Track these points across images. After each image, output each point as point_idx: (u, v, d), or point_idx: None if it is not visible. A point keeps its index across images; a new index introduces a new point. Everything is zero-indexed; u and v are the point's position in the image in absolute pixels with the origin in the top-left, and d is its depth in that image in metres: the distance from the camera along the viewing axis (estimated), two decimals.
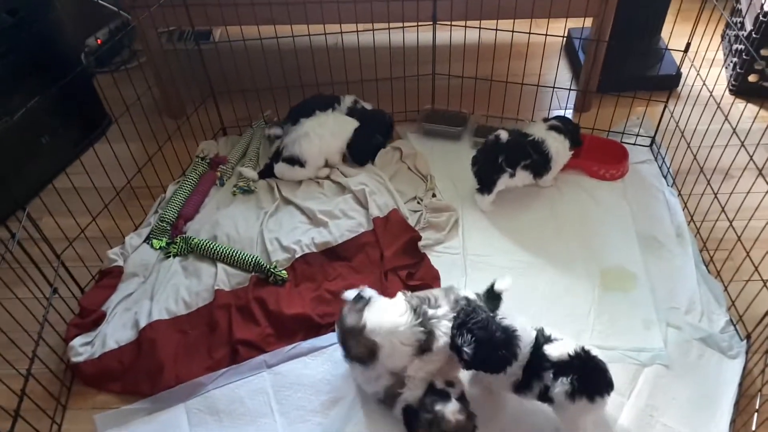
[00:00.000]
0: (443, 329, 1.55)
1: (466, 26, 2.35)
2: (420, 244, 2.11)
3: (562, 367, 1.48)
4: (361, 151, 2.41)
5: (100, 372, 1.81)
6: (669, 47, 2.34)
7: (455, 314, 1.57)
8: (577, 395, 1.46)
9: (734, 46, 2.78)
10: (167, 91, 2.63)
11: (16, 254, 1.67)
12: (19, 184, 2.27)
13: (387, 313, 1.60)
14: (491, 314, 1.55)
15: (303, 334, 1.86)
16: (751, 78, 2.68)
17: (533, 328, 1.56)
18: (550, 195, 2.29)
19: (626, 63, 2.68)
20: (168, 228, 2.18)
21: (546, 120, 2.26)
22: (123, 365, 1.82)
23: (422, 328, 1.56)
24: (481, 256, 2.09)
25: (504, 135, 2.14)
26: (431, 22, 2.43)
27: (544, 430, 1.63)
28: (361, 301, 1.64)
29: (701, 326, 1.85)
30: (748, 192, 1.84)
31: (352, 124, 2.40)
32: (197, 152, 2.48)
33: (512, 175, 2.16)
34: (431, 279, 2.00)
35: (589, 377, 1.49)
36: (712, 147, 2.06)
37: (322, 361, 1.80)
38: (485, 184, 2.18)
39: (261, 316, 1.89)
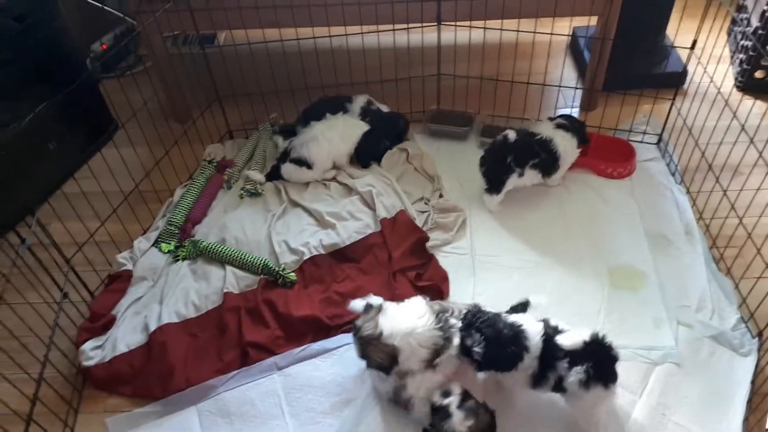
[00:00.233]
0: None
1: (470, 26, 2.35)
2: (428, 244, 2.11)
3: (576, 355, 1.48)
4: (367, 154, 2.41)
5: (112, 376, 1.81)
6: (675, 45, 2.33)
7: (462, 317, 1.57)
8: (592, 383, 1.46)
9: (740, 43, 2.77)
10: (173, 96, 2.64)
11: (27, 259, 1.68)
12: (27, 190, 2.28)
13: (403, 316, 1.58)
14: (495, 313, 1.55)
15: (312, 335, 1.86)
16: (758, 74, 2.67)
17: (538, 320, 1.56)
18: (558, 194, 2.29)
19: (632, 61, 2.67)
20: (176, 231, 2.18)
21: (552, 119, 2.25)
22: (134, 369, 1.82)
23: (441, 333, 1.56)
24: (489, 256, 2.09)
25: (512, 135, 2.14)
26: (435, 23, 2.43)
27: (558, 424, 1.63)
28: (373, 310, 1.62)
29: (712, 324, 1.84)
30: (758, 189, 1.83)
31: (361, 128, 2.40)
32: (204, 156, 2.49)
33: (521, 175, 2.16)
34: (440, 279, 2.00)
35: (603, 364, 1.49)
36: (720, 144, 2.05)
37: (332, 363, 1.80)
38: (494, 184, 2.18)
39: (270, 318, 1.90)
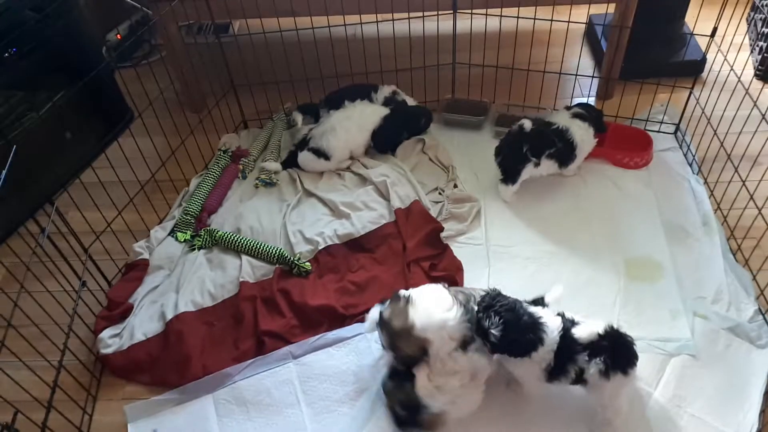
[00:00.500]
0: None
1: (486, 14, 2.33)
2: (442, 235, 2.11)
3: (594, 347, 1.48)
4: (385, 140, 2.41)
5: (129, 363, 1.84)
6: (694, 32, 2.30)
7: (480, 299, 1.56)
8: (612, 372, 1.47)
9: (761, 30, 2.72)
10: (188, 85, 2.65)
11: (46, 248, 1.70)
12: (45, 179, 2.31)
13: (434, 309, 1.55)
14: (515, 299, 1.55)
15: (327, 325, 1.87)
16: None
17: (556, 314, 1.56)
18: (574, 184, 2.27)
19: (650, 49, 2.63)
20: (192, 221, 2.20)
21: (569, 108, 2.23)
22: (151, 357, 1.84)
23: (469, 324, 1.55)
24: (504, 247, 2.08)
25: (528, 124, 2.12)
26: (452, 11, 2.41)
27: (573, 421, 1.63)
28: (402, 300, 1.58)
29: (729, 316, 1.82)
30: None
31: (381, 112, 2.38)
32: (219, 145, 2.50)
33: (537, 165, 2.14)
34: (454, 270, 2.00)
35: (619, 352, 1.50)
36: (739, 134, 2.02)
37: (347, 352, 1.81)
38: (509, 174, 2.17)
39: (286, 307, 1.91)
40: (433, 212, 2.19)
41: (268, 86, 2.52)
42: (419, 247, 2.06)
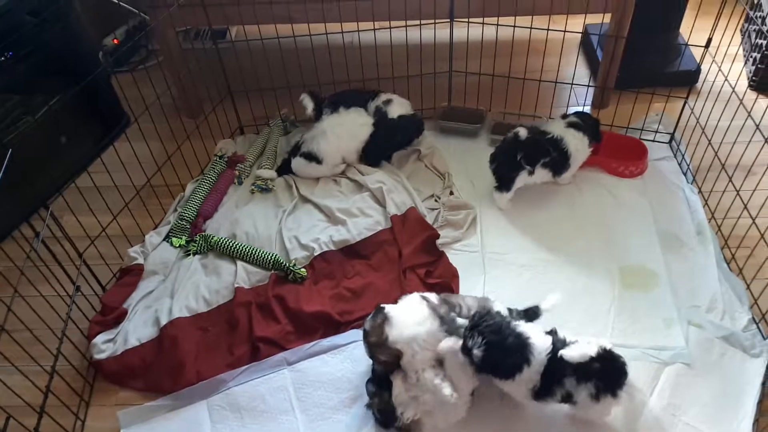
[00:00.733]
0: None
1: (483, 23, 2.35)
2: (438, 242, 2.11)
3: (584, 370, 1.47)
4: (374, 154, 2.40)
5: (123, 369, 1.83)
6: (689, 43, 2.31)
7: (470, 317, 1.58)
8: (602, 395, 1.47)
9: (755, 41, 2.74)
10: (185, 90, 2.65)
11: (40, 252, 1.69)
12: (40, 183, 2.30)
13: (407, 322, 1.62)
14: (506, 320, 1.54)
15: (322, 331, 1.87)
16: None
17: (546, 332, 1.55)
18: (569, 192, 2.28)
19: (645, 59, 2.65)
20: (187, 226, 2.20)
21: (565, 117, 2.24)
22: (145, 362, 1.83)
23: (447, 335, 1.59)
24: (499, 254, 2.08)
25: (523, 132, 2.13)
26: (448, 20, 2.42)
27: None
28: (380, 315, 1.65)
29: (723, 324, 1.83)
30: None
31: (369, 127, 2.38)
32: (215, 151, 2.50)
33: (531, 173, 2.15)
34: (450, 277, 2.00)
35: (611, 376, 1.49)
36: (734, 144, 2.04)
37: (341, 359, 1.80)
38: (504, 182, 2.17)
39: (281, 313, 1.90)
40: (429, 219, 2.19)
41: (264, 92, 2.52)
42: (415, 254, 2.06)
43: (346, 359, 1.80)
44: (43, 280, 1.76)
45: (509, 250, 2.10)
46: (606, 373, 1.48)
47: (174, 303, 1.95)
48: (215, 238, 2.12)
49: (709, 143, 2.16)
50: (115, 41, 3.00)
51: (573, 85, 2.57)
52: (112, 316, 1.94)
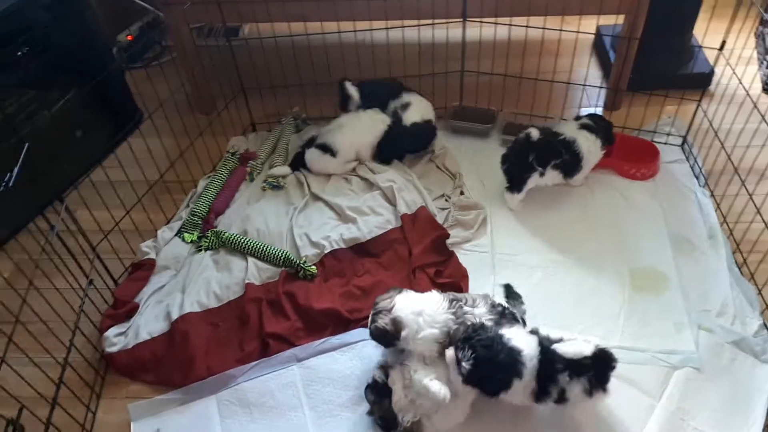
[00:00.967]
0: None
1: (496, 23, 2.34)
2: (448, 241, 2.11)
3: (576, 366, 1.48)
4: (385, 153, 2.41)
5: (134, 362, 1.85)
6: (703, 45, 2.31)
7: (464, 329, 1.58)
8: (594, 390, 1.50)
9: None
10: (199, 87, 2.66)
11: (55, 245, 1.71)
12: (54, 177, 2.32)
13: (418, 298, 1.67)
14: (500, 334, 1.53)
15: (332, 329, 1.88)
16: None
17: (531, 332, 1.56)
18: (581, 194, 2.27)
19: (658, 61, 2.64)
20: (199, 222, 2.21)
21: (578, 118, 2.24)
22: (155, 356, 1.85)
23: (454, 317, 1.61)
24: (509, 255, 2.08)
25: (535, 133, 2.13)
26: (461, 19, 2.42)
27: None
28: (395, 290, 1.71)
29: (734, 329, 1.82)
30: None
31: (384, 123, 2.39)
32: (228, 148, 2.52)
33: (542, 174, 2.15)
34: (460, 277, 2.00)
35: (602, 372, 1.51)
36: (747, 147, 2.03)
37: (350, 357, 1.81)
38: (515, 183, 2.17)
39: (291, 310, 1.91)
40: (440, 219, 2.20)
41: (277, 90, 2.53)
42: (425, 254, 2.06)
43: (355, 357, 1.81)
44: (57, 273, 1.78)
45: (519, 251, 2.10)
46: (598, 368, 1.50)
47: (185, 298, 1.96)
48: (227, 234, 2.13)
49: (722, 147, 2.15)
50: (129, 37, 3.02)
51: (585, 86, 2.56)
52: (123, 310, 1.95)
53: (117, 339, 1.89)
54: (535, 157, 2.12)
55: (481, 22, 2.39)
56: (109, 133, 2.56)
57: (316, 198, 2.31)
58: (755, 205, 1.91)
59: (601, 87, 2.62)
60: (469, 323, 1.60)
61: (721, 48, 2.18)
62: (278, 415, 1.72)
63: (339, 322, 1.89)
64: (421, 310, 1.63)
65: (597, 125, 2.19)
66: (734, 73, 2.14)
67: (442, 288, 1.85)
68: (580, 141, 2.14)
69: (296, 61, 2.44)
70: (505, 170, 2.19)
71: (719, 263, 2.00)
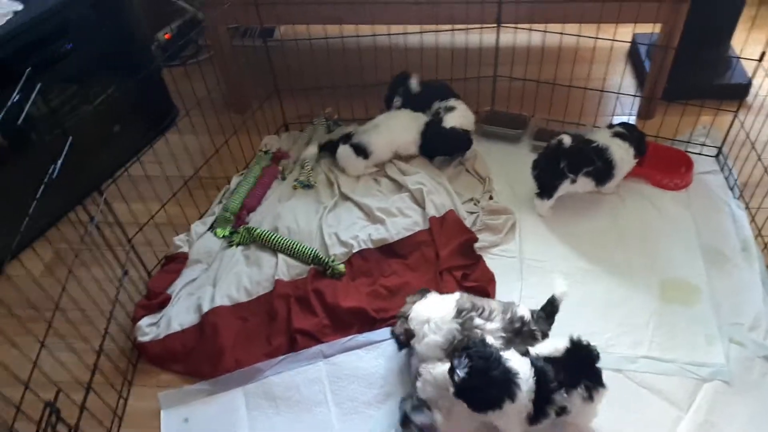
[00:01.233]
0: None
1: (531, 29, 2.35)
2: (476, 245, 2.12)
3: (568, 374, 1.48)
4: (426, 149, 2.43)
5: (164, 352, 1.89)
6: (742, 56, 2.28)
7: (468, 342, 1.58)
8: (594, 392, 1.49)
9: None
10: (234, 87, 2.71)
11: (93, 236, 1.76)
12: (93, 169, 2.39)
13: (430, 307, 1.69)
14: (499, 353, 1.50)
15: (358, 327, 1.90)
16: None
17: (522, 354, 1.53)
18: (612, 202, 2.26)
19: (694, 70, 2.61)
20: (231, 218, 2.25)
21: (610, 126, 2.22)
22: (186, 347, 1.89)
23: (459, 327, 1.62)
24: (537, 261, 2.08)
25: (567, 140, 2.12)
26: (496, 25, 2.43)
27: None
28: (422, 293, 1.76)
29: (766, 344, 1.79)
30: None
31: (421, 120, 2.40)
32: (260, 146, 2.56)
33: (573, 181, 2.14)
34: (486, 281, 2.01)
35: (592, 367, 1.51)
36: None
37: (376, 355, 1.83)
38: (545, 189, 2.17)
39: (318, 307, 1.94)
40: (468, 223, 2.20)
41: (310, 91, 2.57)
42: (452, 257, 2.07)
43: (380, 356, 1.83)
44: (94, 263, 1.83)
45: (548, 258, 2.09)
46: (587, 366, 1.50)
47: (216, 291, 2.00)
48: (258, 231, 2.17)
49: (759, 159, 2.12)
50: (167, 36, 3.09)
51: (619, 95, 2.54)
52: (156, 301, 2.00)
53: (149, 329, 1.93)
54: (566, 163, 2.11)
55: (516, 27, 2.39)
56: (145, 128, 2.62)
57: (346, 198, 2.34)
58: None
59: (635, 96, 2.60)
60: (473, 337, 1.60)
61: (761, 59, 2.15)
62: (304, 409, 1.74)
63: (365, 321, 1.91)
64: (429, 317, 1.65)
65: (630, 134, 2.17)
66: None
67: (469, 292, 1.86)
68: (613, 149, 2.13)
69: (330, 63, 2.47)
70: (536, 176, 2.19)
71: (752, 276, 1.97)
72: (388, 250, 2.13)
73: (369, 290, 2.00)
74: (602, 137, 2.16)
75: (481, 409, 1.46)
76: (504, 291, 1.99)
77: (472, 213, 2.26)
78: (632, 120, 2.63)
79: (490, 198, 2.30)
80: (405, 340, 1.72)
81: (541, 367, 1.49)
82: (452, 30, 2.40)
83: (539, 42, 2.33)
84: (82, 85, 2.36)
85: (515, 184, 2.35)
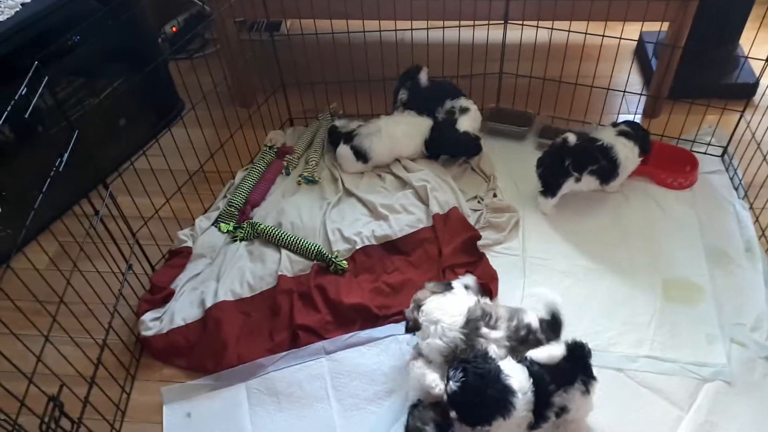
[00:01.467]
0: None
1: (537, 26, 2.33)
2: (479, 243, 2.12)
3: (562, 374, 1.48)
4: (434, 150, 2.42)
5: (167, 347, 1.90)
6: (749, 56, 2.26)
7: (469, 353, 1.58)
8: (590, 385, 1.50)
9: None
10: (240, 80, 2.71)
11: (97, 229, 1.77)
12: (99, 162, 2.39)
13: (443, 308, 1.66)
14: (499, 369, 1.48)
15: (361, 323, 1.91)
16: None
17: (520, 363, 1.52)
18: (616, 201, 2.25)
19: (701, 69, 2.59)
20: (236, 213, 2.26)
21: (615, 125, 2.22)
22: (189, 342, 1.90)
23: (463, 337, 1.61)
24: (541, 259, 2.08)
25: (572, 138, 2.12)
26: (502, 21, 2.42)
27: None
28: (443, 287, 1.74)
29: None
30: None
31: (427, 123, 2.40)
32: (265, 141, 2.56)
33: (578, 180, 2.13)
34: (489, 279, 2.01)
35: (586, 364, 1.51)
36: None
37: (378, 352, 1.83)
38: (550, 187, 2.16)
39: (321, 303, 1.94)
40: (472, 220, 2.20)
41: (315, 86, 2.56)
42: (455, 254, 2.07)
43: (382, 352, 1.83)
44: (99, 256, 1.84)
45: (551, 256, 2.09)
46: (581, 363, 1.51)
47: (219, 286, 2.01)
48: (262, 226, 2.18)
49: (765, 159, 2.11)
50: (174, 29, 3.09)
51: (625, 93, 2.53)
52: (160, 296, 2.01)
53: (153, 323, 1.94)
54: (571, 162, 2.11)
55: (522, 24, 2.38)
56: (151, 122, 2.62)
57: (350, 194, 2.34)
58: None
59: (641, 94, 2.59)
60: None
61: None
62: (305, 405, 1.75)
63: (368, 318, 1.91)
64: (439, 319, 1.64)
65: (635, 133, 2.17)
66: None
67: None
68: (618, 148, 2.12)
69: (336, 58, 2.47)
70: (540, 174, 2.19)
71: (756, 277, 1.97)
72: (392, 246, 2.13)
73: (372, 287, 2.01)
74: (607, 136, 2.15)
75: (470, 424, 1.47)
76: (506, 289, 1.99)
77: (475, 210, 2.26)
78: (638, 118, 2.62)
79: (494, 195, 2.30)
80: (413, 327, 1.71)
81: (538, 372, 1.48)
82: (459, 26, 2.39)
83: (545, 39, 2.31)
84: (89, 78, 2.36)
85: (519, 181, 2.35)
